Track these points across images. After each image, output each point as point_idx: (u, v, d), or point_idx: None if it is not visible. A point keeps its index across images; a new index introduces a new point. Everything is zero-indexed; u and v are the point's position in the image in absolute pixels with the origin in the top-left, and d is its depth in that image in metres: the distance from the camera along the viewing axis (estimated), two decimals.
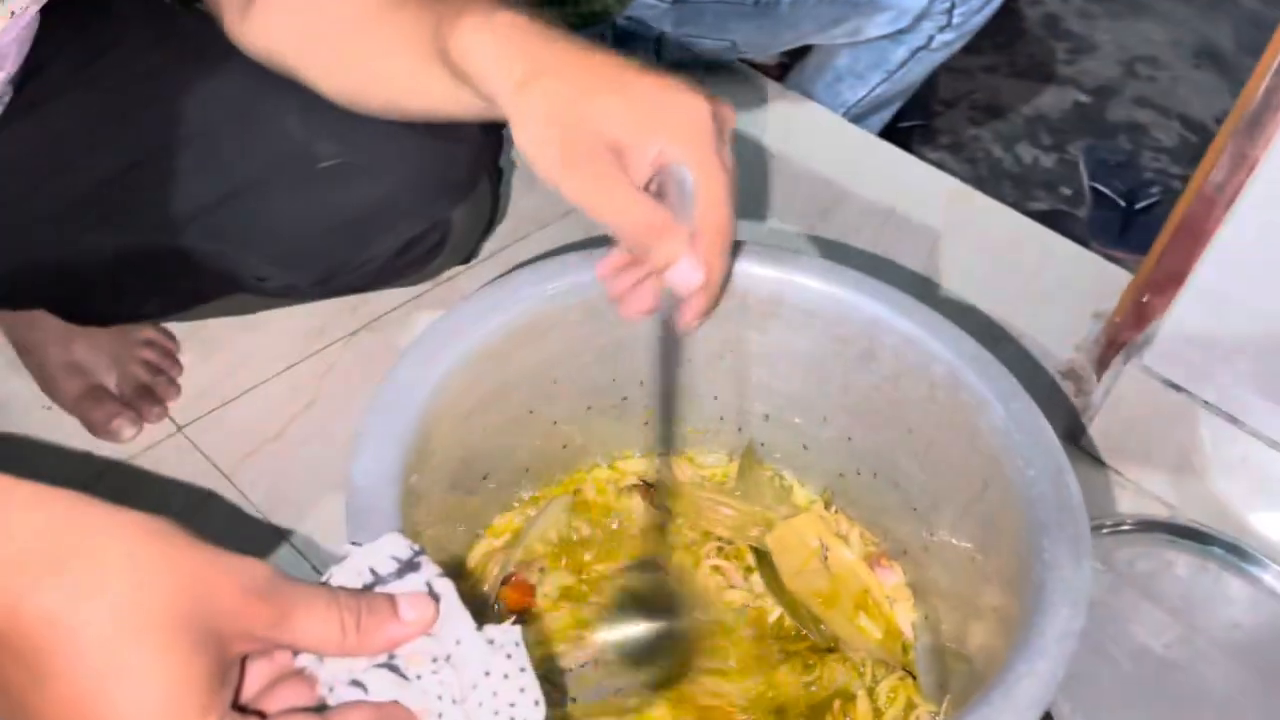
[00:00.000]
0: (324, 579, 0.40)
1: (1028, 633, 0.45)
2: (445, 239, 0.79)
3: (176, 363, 0.87)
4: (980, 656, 0.53)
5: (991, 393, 0.55)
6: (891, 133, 1.37)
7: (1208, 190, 0.79)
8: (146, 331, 0.86)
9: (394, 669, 0.39)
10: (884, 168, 1.14)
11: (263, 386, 0.87)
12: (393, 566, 0.41)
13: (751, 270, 0.60)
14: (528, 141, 0.48)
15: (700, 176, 0.48)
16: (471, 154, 0.71)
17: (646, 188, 0.49)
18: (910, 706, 0.60)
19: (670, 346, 0.55)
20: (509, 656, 0.41)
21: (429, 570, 0.41)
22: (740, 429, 0.68)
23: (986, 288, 1.01)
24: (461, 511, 0.60)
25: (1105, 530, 0.81)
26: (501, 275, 0.59)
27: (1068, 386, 0.94)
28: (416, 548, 0.42)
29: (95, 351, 0.82)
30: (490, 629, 0.41)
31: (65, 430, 0.81)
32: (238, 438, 0.83)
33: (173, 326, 0.89)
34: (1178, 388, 0.82)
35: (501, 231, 0.99)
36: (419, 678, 0.39)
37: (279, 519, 0.79)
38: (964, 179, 1.21)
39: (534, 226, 1.00)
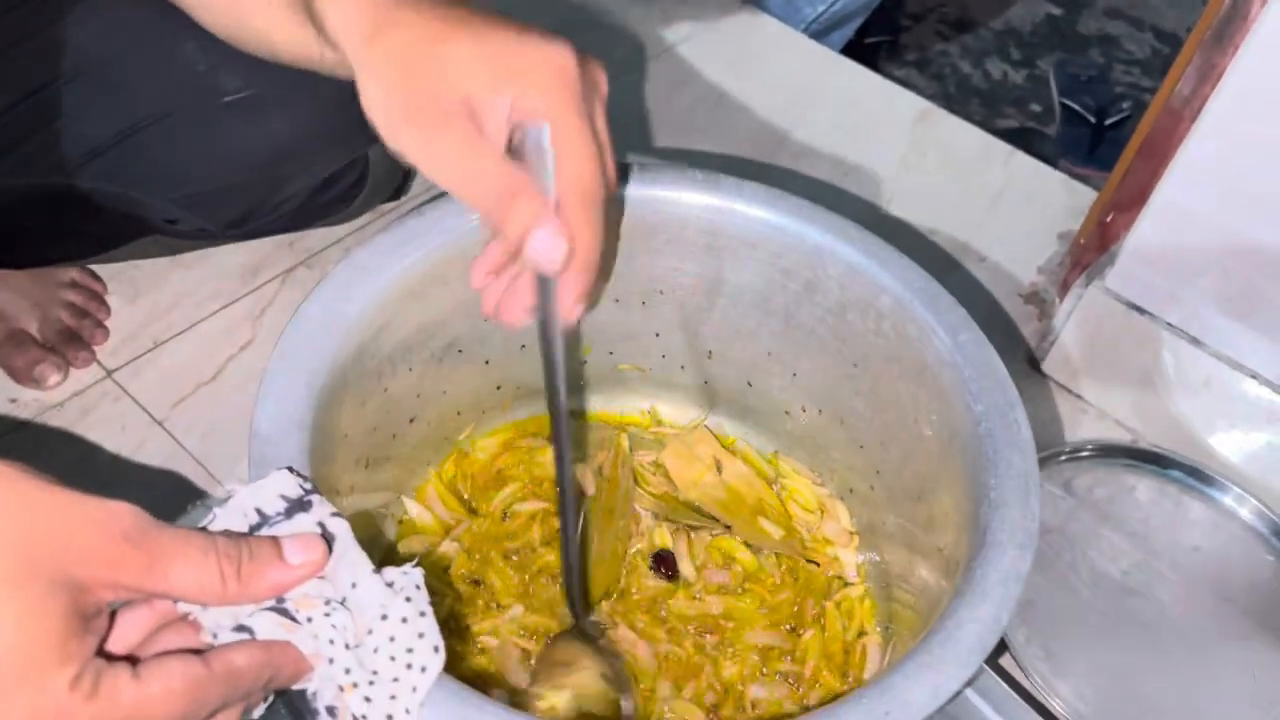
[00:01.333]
0: (205, 523, 0.38)
1: (971, 576, 0.43)
2: (365, 176, 0.75)
3: (104, 305, 0.83)
4: (926, 597, 0.51)
5: (940, 324, 0.52)
6: (856, 49, 1.33)
7: (1174, 104, 0.75)
8: (70, 273, 0.82)
9: (283, 612, 0.37)
10: (845, 86, 1.10)
11: (196, 328, 0.84)
12: (280, 506, 0.39)
13: (689, 199, 0.57)
14: (368, 101, 0.42)
15: (561, 133, 0.42)
16: None
17: (508, 151, 0.43)
18: (860, 632, 0.59)
19: (550, 346, 0.48)
20: (409, 600, 0.39)
21: (322, 509, 0.39)
22: (684, 366, 0.66)
23: (950, 209, 0.98)
24: (387, 456, 0.58)
25: (1064, 457, 0.79)
26: (421, 205, 0.55)
27: (1030, 310, 0.92)
28: (308, 485, 0.40)
29: (15, 295, 0.78)
30: (390, 571, 0.39)
31: None
32: (170, 382, 0.80)
33: (99, 268, 0.85)
34: (1140, 310, 0.80)
35: None
36: (310, 620, 0.37)
37: (215, 465, 0.76)
38: (931, 96, 1.17)
39: None
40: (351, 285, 0.51)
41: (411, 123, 0.42)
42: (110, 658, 0.34)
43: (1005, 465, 0.47)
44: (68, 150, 0.64)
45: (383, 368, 0.54)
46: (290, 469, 0.41)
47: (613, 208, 0.49)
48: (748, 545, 0.62)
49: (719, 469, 0.64)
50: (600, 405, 0.68)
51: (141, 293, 0.85)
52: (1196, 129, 0.71)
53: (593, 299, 0.48)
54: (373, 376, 0.53)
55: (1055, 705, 0.67)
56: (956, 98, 1.45)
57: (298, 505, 0.39)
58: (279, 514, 0.39)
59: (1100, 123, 1.39)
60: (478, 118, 0.42)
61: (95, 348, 0.81)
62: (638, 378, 0.66)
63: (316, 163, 0.70)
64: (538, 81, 0.42)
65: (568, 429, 0.50)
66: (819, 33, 1.21)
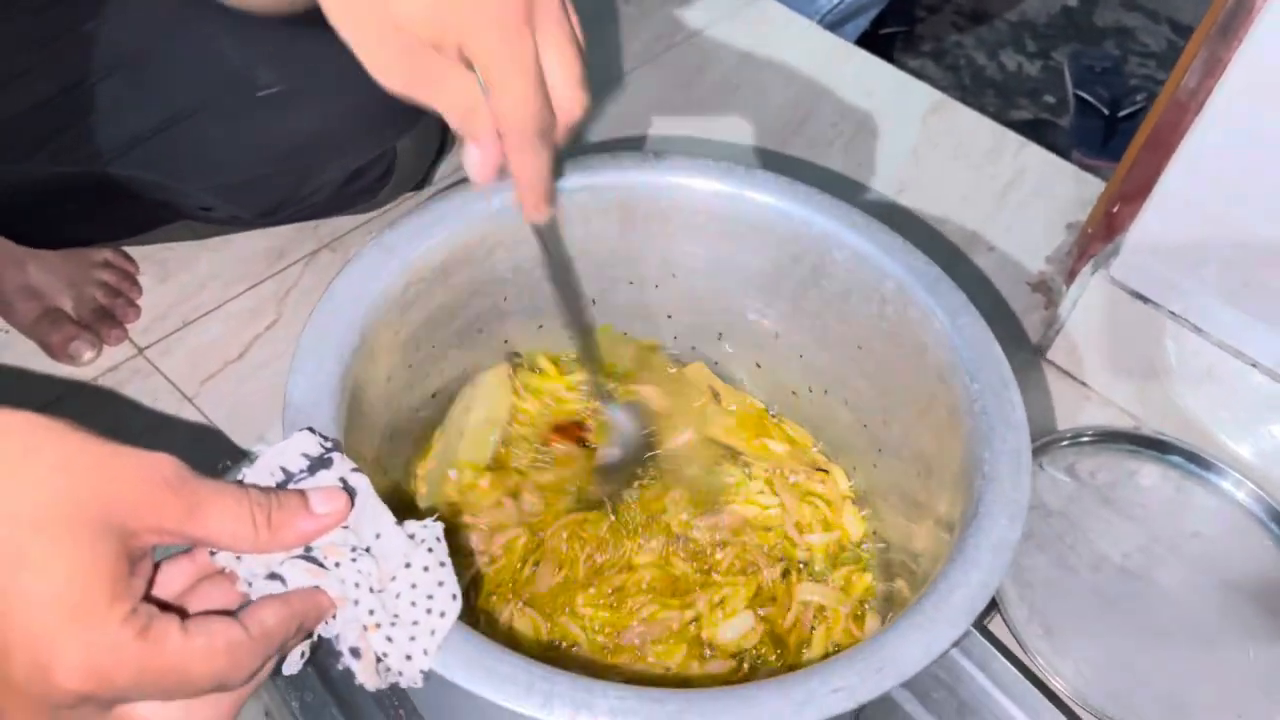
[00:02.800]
0: (235, 480, 0.40)
1: (963, 543, 0.46)
2: (392, 168, 0.78)
3: (135, 284, 0.86)
4: (924, 570, 0.53)
5: (940, 308, 0.54)
6: (871, 40, 1.34)
7: (1180, 96, 0.77)
8: (104, 253, 0.85)
9: (312, 560, 0.39)
10: (858, 77, 1.11)
11: (224, 307, 0.87)
12: (304, 464, 0.41)
13: (699, 185, 0.59)
14: (342, 33, 0.45)
15: (491, 72, 0.45)
16: None
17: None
18: (865, 597, 0.61)
19: (545, 243, 0.54)
20: (430, 550, 0.41)
21: (342, 466, 0.42)
22: (694, 347, 0.68)
23: (960, 199, 1.00)
24: (410, 427, 0.60)
25: (1066, 442, 0.81)
26: (444, 189, 0.58)
27: (1038, 299, 0.94)
28: (328, 444, 0.43)
29: (51, 274, 0.81)
30: (411, 524, 0.42)
31: (22, 354, 0.81)
32: (199, 359, 0.83)
33: (131, 249, 0.88)
34: (1144, 299, 0.81)
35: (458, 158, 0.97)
36: (337, 565, 0.40)
37: (241, 440, 0.79)
38: (946, 87, 1.18)
39: None
40: (379, 265, 0.54)
41: (375, 50, 0.44)
42: (158, 605, 0.37)
43: (999, 441, 0.49)
44: (106, 140, 0.66)
45: (407, 343, 0.57)
46: (311, 429, 0.43)
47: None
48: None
49: (717, 398, 0.67)
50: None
51: (172, 274, 0.88)
52: (1200, 121, 0.73)
53: (549, 207, 0.51)
54: (399, 352, 0.56)
55: (1056, 684, 0.69)
56: (971, 89, 1.46)
57: (319, 463, 0.41)
58: (302, 471, 0.41)
59: (1114, 115, 1.40)
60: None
61: (127, 326, 0.84)
62: (648, 357, 0.69)
63: (346, 155, 0.72)
64: (478, 29, 0.44)
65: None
66: (834, 24, 1.23)
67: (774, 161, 1.02)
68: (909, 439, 0.58)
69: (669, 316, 0.66)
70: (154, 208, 0.75)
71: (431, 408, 0.62)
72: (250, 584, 0.39)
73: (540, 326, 0.65)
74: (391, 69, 0.45)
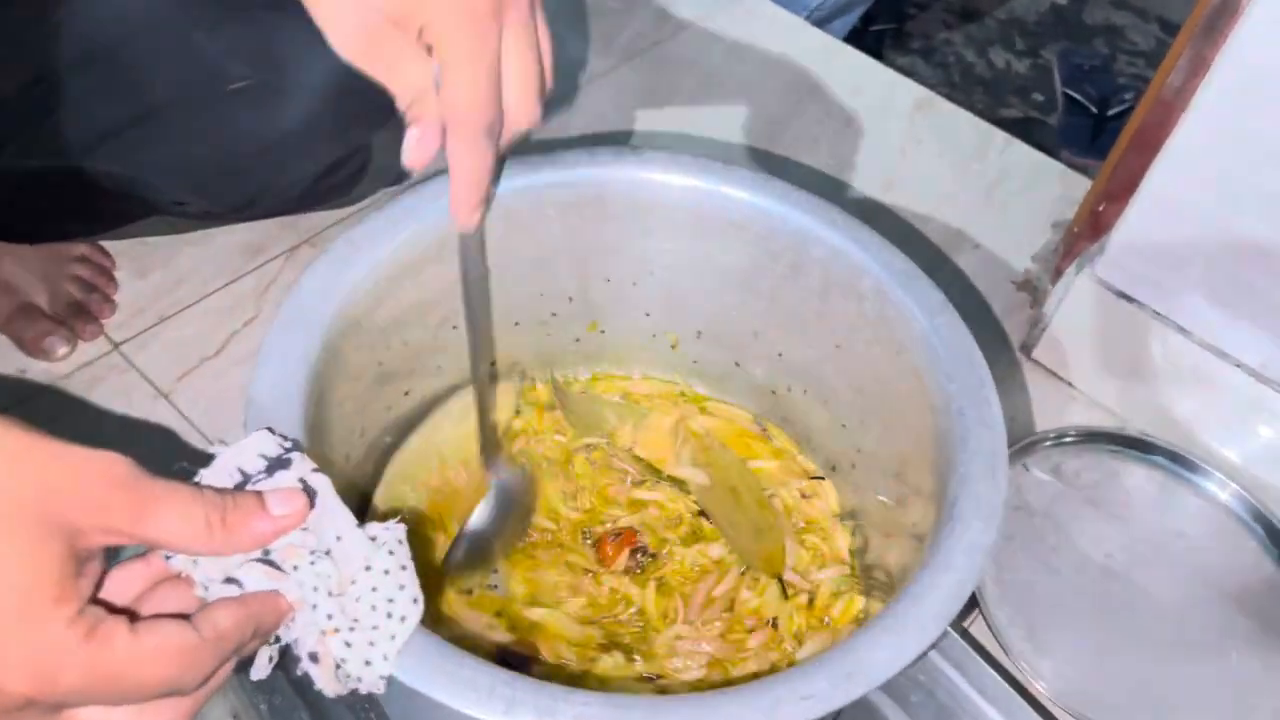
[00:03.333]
0: (196, 478, 0.39)
1: (937, 547, 0.45)
2: (367, 163, 0.77)
3: (112, 279, 0.85)
4: (900, 572, 0.53)
5: (917, 307, 0.54)
6: (861, 37, 1.34)
7: (1165, 95, 0.76)
8: (80, 248, 0.84)
9: (269, 563, 0.38)
10: (845, 73, 1.11)
11: (202, 303, 0.86)
12: (262, 465, 0.40)
13: (678, 181, 0.59)
14: (321, 20, 0.44)
15: (448, 58, 0.44)
16: None
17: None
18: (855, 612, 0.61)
19: (465, 255, 0.52)
20: (391, 553, 0.40)
21: (302, 466, 0.41)
22: (674, 345, 0.67)
23: (946, 197, 1.00)
24: (381, 427, 0.59)
25: (1050, 442, 0.81)
26: (417, 183, 0.57)
27: (1023, 298, 0.93)
28: (288, 443, 0.42)
29: (24, 269, 0.80)
30: (373, 526, 0.41)
31: None
32: (176, 355, 0.82)
33: (108, 243, 0.87)
34: (1129, 298, 0.81)
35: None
36: (295, 569, 0.39)
37: (218, 436, 0.78)
38: (934, 84, 1.18)
39: None
40: (348, 261, 0.53)
41: (337, 18, 0.44)
42: (108, 609, 0.36)
43: (975, 442, 0.48)
44: (76, 134, 0.65)
45: (377, 341, 0.56)
46: (270, 429, 0.42)
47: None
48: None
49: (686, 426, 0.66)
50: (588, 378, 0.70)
51: (149, 268, 0.87)
52: (1186, 120, 0.72)
53: (479, 215, 0.50)
54: (368, 350, 0.55)
55: (1037, 687, 0.68)
56: (960, 86, 1.45)
57: (278, 463, 0.41)
58: (260, 472, 0.40)
59: (1102, 113, 1.40)
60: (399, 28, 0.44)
61: (103, 321, 0.83)
62: (628, 356, 0.68)
63: (319, 149, 0.71)
64: (444, 13, 0.43)
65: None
66: (822, 20, 1.22)
67: (759, 159, 1.01)
68: (887, 439, 0.57)
69: (647, 314, 0.66)
70: (127, 202, 0.74)
71: (404, 406, 0.61)
72: (206, 588, 0.38)
73: (516, 324, 0.64)
74: (351, 40, 0.44)
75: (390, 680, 0.40)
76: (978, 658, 0.66)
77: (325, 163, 0.73)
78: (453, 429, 0.63)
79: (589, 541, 0.62)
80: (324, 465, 0.42)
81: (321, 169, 0.74)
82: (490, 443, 0.58)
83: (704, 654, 0.57)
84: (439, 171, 0.55)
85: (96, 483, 0.34)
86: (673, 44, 1.12)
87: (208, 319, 0.85)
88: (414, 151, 0.46)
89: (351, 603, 0.40)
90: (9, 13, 0.63)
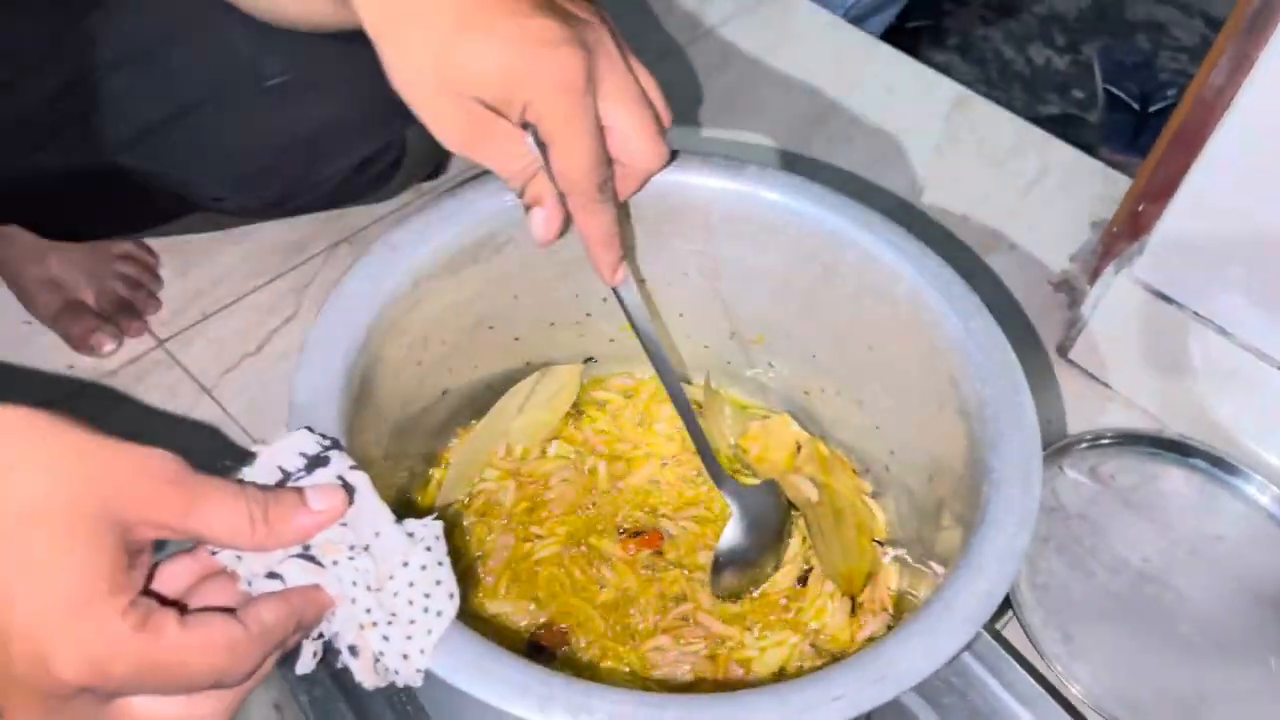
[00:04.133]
0: (240, 475, 0.41)
1: (969, 551, 0.45)
2: (402, 157, 0.78)
3: (156, 277, 0.87)
4: (939, 570, 0.53)
5: (952, 309, 0.54)
6: (897, 34, 1.33)
7: (1207, 94, 0.75)
8: (124, 246, 0.86)
9: (310, 558, 0.39)
10: (882, 71, 1.10)
11: (243, 301, 0.87)
12: (301, 463, 0.41)
13: (712, 184, 0.59)
14: (400, 90, 0.46)
15: (551, 131, 0.46)
16: None
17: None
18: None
19: (627, 304, 0.54)
20: (429, 549, 0.41)
21: (340, 464, 0.42)
22: (707, 346, 0.67)
23: (983, 196, 0.99)
24: (418, 425, 0.60)
25: (1086, 444, 0.80)
26: (455, 187, 0.58)
27: (1060, 298, 0.92)
28: (327, 442, 0.43)
29: (72, 267, 0.82)
30: (410, 523, 0.42)
31: (45, 346, 0.82)
32: (218, 352, 0.84)
33: (152, 241, 0.88)
34: (1168, 299, 0.80)
35: None
36: (335, 564, 0.40)
37: (259, 433, 0.79)
38: (972, 82, 1.17)
39: None
40: (388, 263, 0.54)
41: (434, 107, 0.46)
42: (159, 601, 0.37)
43: (1009, 446, 0.48)
44: (116, 132, 0.67)
45: (416, 341, 0.57)
46: (309, 428, 0.43)
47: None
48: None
49: (799, 450, 0.66)
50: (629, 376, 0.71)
51: (192, 266, 0.88)
52: (1227, 119, 0.72)
53: (623, 266, 0.52)
54: (406, 350, 0.56)
55: (1072, 690, 0.68)
56: (998, 84, 1.44)
57: (317, 461, 0.42)
58: (300, 470, 0.41)
59: (1144, 110, 1.38)
60: (496, 108, 0.46)
61: (148, 318, 0.84)
62: None
63: (354, 144, 0.72)
64: (543, 95, 0.45)
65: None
66: (858, 17, 1.22)
67: (793, 159, 1.01)
68: (920, 442, 0.57)
69: (681, 315, 0.66)
70: (168, 199, 0.75)
71: (442, 406, 0.62)
72: (250, 583, 0.39)
73: (551, 324, 0.64)
74: (455, 132, 0.46)
75: (427, 673, 0.41)
76: (1011, 660, 0.66)
77: (359, 157, 0.74)
78: (518, 419, 0.65)
79: (624, 534, 0.63)
80: (364, 463, 0.43)
81: (357, 163, 0.75)
82: (713, 463, 0.59)
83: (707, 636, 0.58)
84: (476, 174, 0.55)
85: (148, 479, 0.36)
86: (707, 42, 1.12)
87: (249, 316, 0.86)
88: (545, 230, 0.49)
89: (389, 597, 0.40)
90: (50, 15, 0.64)
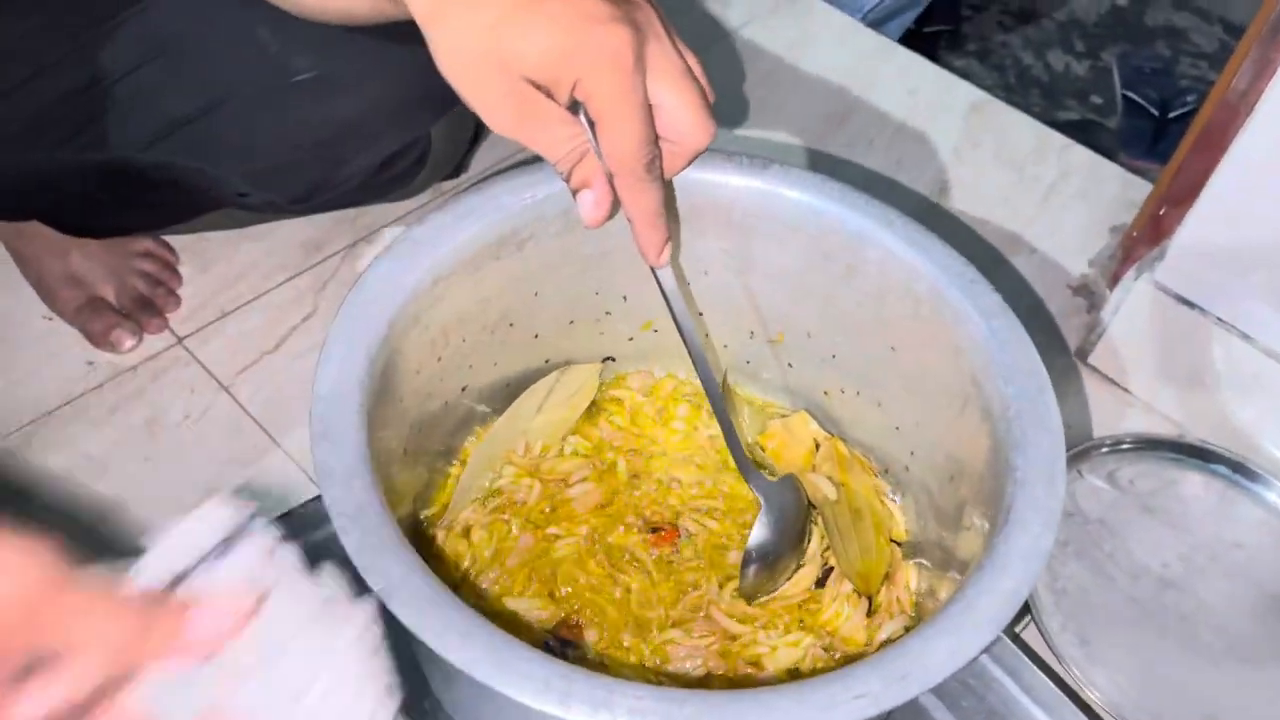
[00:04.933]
0: (132, 571, 0.36)
1: (993, 550, 0.45)
2: (425, 155, 0.78)
3: (176, 274, 0.87)
4: (957, 576, 0.53)
5: (975, 309, 0.53)
6: (916, 38, 1.33)
7: (1230, 98, 0.75)
8: (145, 243, 0.86)
9: (216, 666, 0.35)
10: (900, 75, 1.10)
11: (262, 298, 0.87)
12: (210, 545, 0.36)
13: (734, 182, 0.59)
14: (449, 74, 0.46)
15: (602, 110, 0.46)
16: None
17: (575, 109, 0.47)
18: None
19: (666, 290, 0.54)
20: (359, 638, 0.37)
21: (263, 540, 0.37)
22: (726, 345, 0.67)
23: (1002, 200, 0.99)
24: (438, 421, 0.60)
25: (1106, 449, 0.80)
26: (477, 183, 0.58)
27: (1080, 302, 0.92)
28: (247, 513, 0.38)
29: (92, 263, 0.82)
30: (338, 602, 0.37)
31: (65, 341, 0.82)
32: (237, 349, 0.84)
33: (172, 238, 0.89)
34: (1189, 304, 0.79)
35: (499, 143, 0.97)
36: (246, 671, 0.35)
37: (276, 430, 0.79)
38: (991, 87, 1.17)
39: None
40: (409, 258, 0.54)
41: (483, 89, 0.45)
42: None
43: (1033, 446, 0.48)
44: (141, 126, 0.67)
45: (436, 337, 0.57)
46: (228, 497, 0.38)
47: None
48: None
49: (817, 448, 0.66)
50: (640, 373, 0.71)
51: (211, 263, 0.89)
52: (1250, 123, 0.71)
53: (668, 248, 0.52)
54: (427, 346, 0.56)
55: (1090, 695, 0.67)
56: (1017, 89, 1.44)
57: (235, 538, 0.37)
58: (207, 558, 0.36)
59: (1163, 116, 1.37)
60: (545, 90, 0.46)
61: (167, 315, 0.85)
62: (681, 355, 0.68)
63: (379, 141, 0.73)
64: (594, 71, 0.45)
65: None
66: (877, 21, 1.21)
67: (813, 159, 1.01)
68: (941, 443, 0.57)
69: (700, 314, 0.66)
70: (191, 194, 0.76)
71: (462, 402, 0.62)
72: (147, 693, 0.34)
73: (571, 322, 0.64)
74: (501, 111, 0.46)
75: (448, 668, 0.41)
76: (1030, 664, 0.65)
77: (384, 154, 0.75)
78: (537, 417, 0.65)
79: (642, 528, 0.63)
80: (383, 458, 0.43)
81: (380, 160, 0.75)
82: (744, 458, 0.59)
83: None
84: (498, 170, 0.55)
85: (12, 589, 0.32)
86: (729, 42, 1.12)
87: (267, 314, 0.86)
88: (595, 211, 0.49)
89: (317, 701, 0.36)
90: (75, 9, 0.65)
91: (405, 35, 0.47)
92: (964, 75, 1.11)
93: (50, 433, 0.77)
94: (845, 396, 0.64)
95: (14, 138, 0.67)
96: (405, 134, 0.74)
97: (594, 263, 0.62)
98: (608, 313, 0.65)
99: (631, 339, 0.67)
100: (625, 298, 0.64)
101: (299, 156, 0.70)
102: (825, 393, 0.65)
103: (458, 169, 0.91)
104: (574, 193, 0.49)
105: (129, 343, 0.82)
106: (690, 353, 0.55)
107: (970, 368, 0.53)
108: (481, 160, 0.95)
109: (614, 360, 0.69)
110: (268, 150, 0.69)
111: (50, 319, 0.83)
